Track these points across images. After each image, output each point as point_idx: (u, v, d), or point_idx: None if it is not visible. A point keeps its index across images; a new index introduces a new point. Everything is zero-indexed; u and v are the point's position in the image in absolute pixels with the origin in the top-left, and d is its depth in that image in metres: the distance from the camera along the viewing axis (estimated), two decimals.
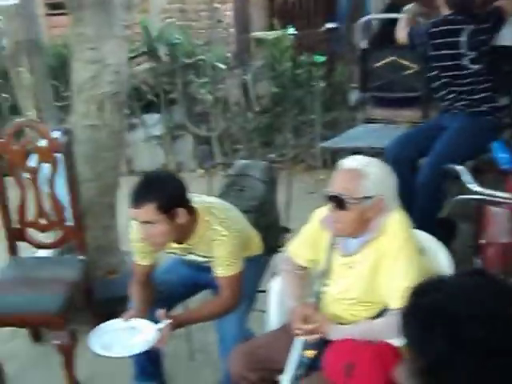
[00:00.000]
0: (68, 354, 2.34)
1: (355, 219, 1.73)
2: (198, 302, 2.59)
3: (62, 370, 2.40)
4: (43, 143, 2.51)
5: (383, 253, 1.73)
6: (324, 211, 1.89)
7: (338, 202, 1.73)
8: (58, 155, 2.50)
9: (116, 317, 2.83)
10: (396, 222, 1.75)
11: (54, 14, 6.11)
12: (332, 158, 5.08)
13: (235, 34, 6.27)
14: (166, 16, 6.06)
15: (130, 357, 2.06)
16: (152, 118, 5.15)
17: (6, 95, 5.18)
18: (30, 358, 2.78)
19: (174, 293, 2.29)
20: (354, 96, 4.94)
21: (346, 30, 5.69)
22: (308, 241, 1.97)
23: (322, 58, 5.01)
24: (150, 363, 2.35)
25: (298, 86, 4.89)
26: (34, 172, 2.52)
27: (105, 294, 2.83)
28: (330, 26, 5.44)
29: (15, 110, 5.22)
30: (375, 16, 3.81)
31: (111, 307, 2.87)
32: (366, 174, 1.72)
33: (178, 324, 2.02)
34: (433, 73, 3.01)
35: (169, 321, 1.96)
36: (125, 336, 1.96)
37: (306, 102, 4.94)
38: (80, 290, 2.53)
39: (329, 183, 1.80)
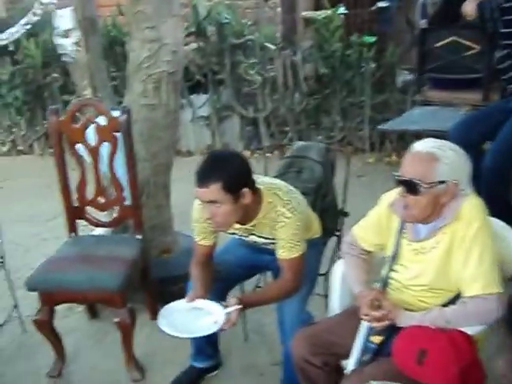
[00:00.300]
0: (127, 331, 2.37)
1: (428, 204, 1.67)
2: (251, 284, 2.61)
3: (121, 346, 2.43)
4: (102, 122, 2.52)
5: (458, 239, 1.67)
6: (393, 195, 1.84)
7: (410, 187, 1.67)
8: (117, 134, 2.50)
9: (170, 296, 2.88)
10: (472, 207, 1.69)
11: None
12: (380, 141, 5.00)
13: (282, 14, 6.19)
14: None
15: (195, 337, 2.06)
16: (199, 98, 5.14)
17: (56, 75, 5.26)
18: (87, 333, 2.82)
19: (231, 274, 2.29)
20: (401, 78, 4.84)
21: (398, 8, 5.55)
22: (375, 225, 1.93)
23: (372, 39, 4.90)
24: (207, 344, 2.36)
25: (348, 67, 4.80)
26: (94, 151, 2.53)
27: (159, 273, 2.85)
28: (381, 4, 5.29)
29: (64, 90, 5.32)
30: None
31: (165, 286, 2.91)
32: (440, 157, 1.66)
33: (244, 307, 2.01)
34: (502, 52, 2.88)
35: (239, 306, 1.95)
36: (192, 317, 1.96)
37: (356, 83, 4.85)
38: (137, 269, 2.54)
39: (400, 166, 1.74)
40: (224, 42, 4.91)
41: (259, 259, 2.30)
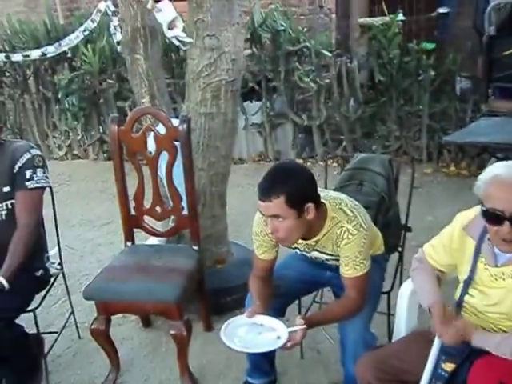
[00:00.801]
0: (183, 343, 2.33)
1: None
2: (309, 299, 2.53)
3: (177, 358, 2.39)
4: (162, 131, 2.50)
5: None
6: (468, 216, 1.74)
7: None
8: (176, 143, 2.48)
9: (224, 307, 2.85)
10: None
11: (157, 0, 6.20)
12: (438, 151, 4.84)
13: (336, 20, 6.11)
14: (268, 2, 5.99)
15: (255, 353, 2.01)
16: (253, 105, 5.11)
17: (112, 81, 5.33)
18: (140, 343, 2.81)
19: (291, 289, 2.22)
20: (460, 86, 4.68)
21: (458, 14, 5.39)
22: (447, 245, 1.82)
23: (431, 45, 4.76)
24: (264, 360, 2.30)
25: (405, 75, 4.67)
26: (153, 160, 2.52)
27: (213, 284, 2.81)
28: (441, 10, 5.14)
29: (119, 96, 5.39)
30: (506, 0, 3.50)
31: (219, 297, 2.87)
32: None
33: (310, 327, 1.94)
34: None
35: (304, 326, 1.88)
36: (255, 332, 1.90)
37: (413, 91, 4.72)
38: (194, 280, 2.51)
39: (486, 197, 1.59)
40: (279, 49, 4.86)
41: (320, 275, 2.23)
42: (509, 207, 1.53)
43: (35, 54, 5.35)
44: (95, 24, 5.24)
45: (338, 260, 2.01)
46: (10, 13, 5.96)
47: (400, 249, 2.47)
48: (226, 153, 2.94)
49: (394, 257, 2.47)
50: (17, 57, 5.43)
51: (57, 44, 5.30)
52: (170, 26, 2.58)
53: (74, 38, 5.25)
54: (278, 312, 2.16)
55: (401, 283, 2.29)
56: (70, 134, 5.78)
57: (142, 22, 2.96)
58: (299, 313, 2.50)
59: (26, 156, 2.30)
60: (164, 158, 2.54)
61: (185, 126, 2.44)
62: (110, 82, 5.30)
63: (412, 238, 2.60)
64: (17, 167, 2.28)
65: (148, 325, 2.90)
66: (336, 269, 2.03)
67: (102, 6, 5.23)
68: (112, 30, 5.19)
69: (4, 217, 2.30)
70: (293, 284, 2.22)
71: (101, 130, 5.70)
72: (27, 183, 2.28)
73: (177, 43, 2.69)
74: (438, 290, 1.83)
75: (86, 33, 5.24)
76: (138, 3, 2.91)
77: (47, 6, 5.80)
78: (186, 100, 2.90)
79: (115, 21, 5.09)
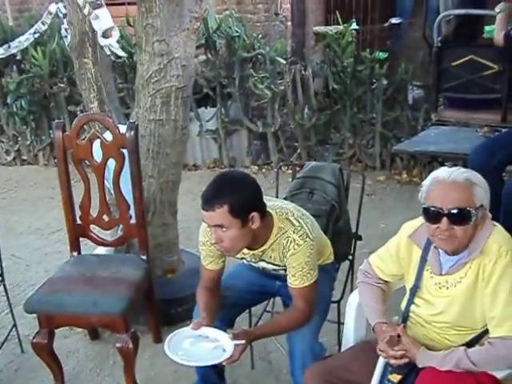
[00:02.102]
0: (129, 357, 2.27)
1: (470, 233, 1.59)
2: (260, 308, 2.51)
3: (123, 371, 2.33)
4: (109, 138, 2.43)
5: (484, 275, 1.57)
6: (415, 225, 1.75)
7: (460, 217, 1.57)
8: (124, 150, 2.42)
9: (175, 318, 2.79)
10: (500, 240, 1.59)
11: (110, 4, 6.10)
12: (391, 158, 4.91)
13: (292, 28, 6.14)
14: (223, 8, 5.97)
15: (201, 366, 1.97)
16: (207, 111, 5.06)
17: (63, 85, 5.20)
18: (87, 356, 2.72)
19: (240, 299, 2.19)
20: (411, 94, 4.76)
21: (410, 25, 5.49)
22: (394, 255, 1.82)
23: (384, 55, 4.83)
24: (213, 372, 2.25)
25: (359, 83, 4.72)
26: (100, 167, 2.45)
27: (163, 294, 2.76)
28: (393, 20, 5.22)
29: (70, 100, 5.26)
30: (454, 11, 3.58)
31: (169, 308, 2.82)
32: (476, 181, 1.60)
33: (253, 339, 1.91)
34: None
35: (243, 341, 1.85)
36: (199, 345, 1.86)
37: (366, 99, 4.77)
38: (141, 291, 2.44)
39: (427, 198, 1.63)
40: (234, 56, 4.84)
41: (269, 285, 2.20)
42: (446, 204, 1.57)
43: None
44: (46, 26, 5.09)
45: (285, 270, 1.99)
46: None
47: (351, 257, 2.47)
48: (177, 160, 2.89)
49: (345, 265, 2.48)
50: None
51: (6, 46, 5.12)
52: (105, 35, 2.53)
53: (24, 40, 5.08)
54: (227, 323, 2.13)
55: (351, 291, 2.29)
56: (19, 138, 5.60)
57: (90, 25, 2.88)
58: (250, 323, 2.47)
59: None
60: (111, 165, 2.47)
61: (132, 132, 2.38)
62: (61, 85, 5.17)
63: (364, 245, 2.61)
64: None
65: (95, 337, 2.81)
66: (285, 278, 2.01)
67: (52, 8, 5.07)
68: (63, 32, 5.03)
69: None
70: (241, 294, 2.19)
71: (51, 135, 5.54)
72: None
73: (108, 52, 2.64)
74: (381, 307, 1.83)
75: (37, 35, 5.08)
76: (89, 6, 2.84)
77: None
78: (135, 106, 2.84)
79: (66, 23, 4.96)
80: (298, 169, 2.60)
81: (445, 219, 1.58)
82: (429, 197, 1.63)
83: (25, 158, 5.72)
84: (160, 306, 2.71)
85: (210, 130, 5.11)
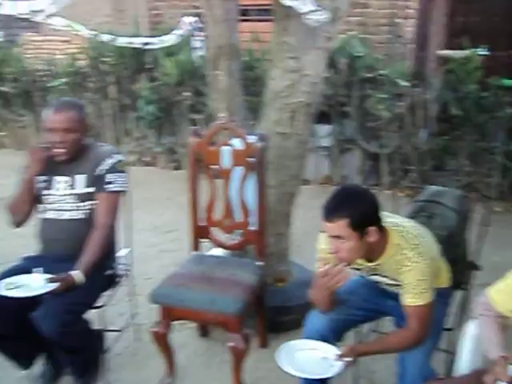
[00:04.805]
0: (239, 356, 2.37)
1: None
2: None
3: (232, 370, 2.43)
4: (239, 146, 2.56)
5: None
6: None
7: None
8: (251, 159, 2.54)
9: (281, 326, 2.87)
10: None
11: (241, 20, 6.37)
12: (511, 190, 4.71)
13: (414, 50, 6.07)
14: (346, 28, 6.03)
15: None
16: (322, 128, 5.13)
17: (188, 94, 5.49)
18: (196, 351, 2.86)
19: (352, 315, 2.22)
20: None
21: None
22: None
23: (511, 82, 4.65)
24: (317, 381, 2.30)
25: (482, 110, 4.58)
26: (227, 173, 2.59)
27: (272, 301, 2.84)
28: None
29: (193, 109, 5.54)
30: None
31: (277, 315, 2.90)
32: None
33: (360, 355, 1.94)
34: None
35: (350, 359, 1.90)
36: (309, 357, 1.94)
37: (489, 127, 4.62)
38: (255, 296, 2.54)
39: None
40: (354, 75, 4.88)
41: (382, 303, 2.22)
42: None
43: (138, 41, 5.47)
44: (179, 39, 5.42)
45: (399, 286, 2.00)
46: (98, 22, 6.27)
47: (465, 286, 2.42)
48: (296, 173, 2.99)
49: (457, 294, 2.43)
50: (121, 40, 5.54)
51: (158, 38, 5.45)
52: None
53: (175, 37, 5.38)
54: (336, 336, 2.17)
55: (464, 322, 2.25)
56: (142, 141, 5.98)
57: (227, 40, 3.06)
58: (355, 340, 2.49)
59: (110, 160, 2.42)
60: (237, 173, 2.60)
61: (262, 143, 2.50)
62: (186, 94, 5.46)
63: (475, 276, 2.55)
64: (100, 170, 2.40)
65: (205, 334, 2.95)
66: (398, 298, 2.03)
67: (187, 20, 5.42)
68: (194, 44, 5.37)
69: (84, 216, 2.43)
70: (354, 311, 2.22)
71: (172, 140, 5.87)
72: (108, 186, 2.40)
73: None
74: (501, 341, 1.80)
75: (180, 38, 5.38)
76: (225, 22, 3.02)
77: (134, 18, 6.06)
78: (262, 118, 2.97)
79: (198, 36, 5.27)
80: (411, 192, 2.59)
81: None
82: None
83: (145, 159, 6.10)
84: (268, 312, 2.80)
85: (324, 147, 5.17)
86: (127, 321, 2.89)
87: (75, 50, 6.26)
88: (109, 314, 3.09)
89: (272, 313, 2.85)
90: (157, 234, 4.35)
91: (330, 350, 1.97)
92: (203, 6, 3.08)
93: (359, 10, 5.94)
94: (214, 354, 2.81)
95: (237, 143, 2.60)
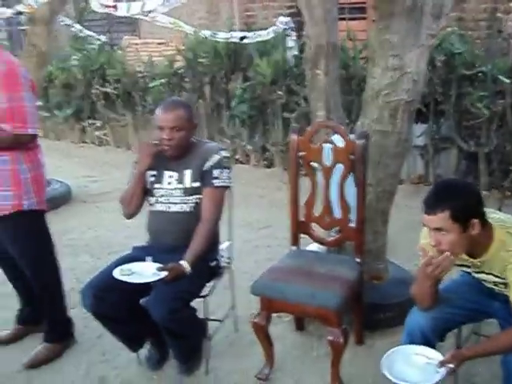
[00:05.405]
0: (339, 351, 2.40)
1: None
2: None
3: (330, 364, 2.46)
4: (340, 144, 2.60)
5: None
6: None
7: None
8: (352, 157, 2.56)
9: (376, 323, 2.87)
10: None
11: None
12: None
13: None
14: (444, 25, 5.87)
15: None
16: (418, 127, 5.03)
17: (281, 93, 5.57)
18: (292, 344, 2.92)
19: (454, 315, 2.19)
20: None
21: None
22: None
23: None
24: None
25: None
26: (328, 170, 2.63)
27: (368, 298, 2.85)
28: None
29: (286, 108, 5.62)
30: None
31: (372, 313, 2.90)
32: None
33: (463, 360, 1.93)
34: None
35: (452, 366, 1.90)
36: (413, 363, 1.95)
37: None
38: (354, 292, 2.57)
39: None
40: (452, 72, 4.76)
41: (487, 304, 2.18)
42: None
43: (236, 35, 5.66)
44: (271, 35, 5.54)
45: (505, 286, 1.96)
46: (194, 24, 6.50)
47: None
48: (395, 171, 2.98)
49: None
50: (221, 35, 5.72)
51: (254, 33, 5.62)
52: None
53: (269, 33, 5.52)
54: (438, 336, 2.16)
55: None
56: (236, 139, 6.13)
57: (327, 39, 3.10)
58: (457, 342, 2.46)
59: (216, 156, 2.53)
60: (337, 170, 2.64)
61: (363, 141, 2.52)
62: (280, 93, 5.54)
63: None
64: (207, 166, 2.51)
65: (301, 328, 3.00)
66: (505, 300, 1.98)
67: (282, 19, 5.52)
68: (289, 43, 5.45)
69: (191, 209, 2.55)
70: (456, 310, 2.19)
71: (264, 139, 5.97)
72: (214, 181, 2.52)
73: None
74: None
75: (273, 34, 5.50)
76: (325, 21, 3.07)
77: (228, 20, 6.23)
78: (361, 116, 2.98)
79: (293, 35, 5.35)
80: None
81: None
82: None
83: (237, 157, 6.25)
84: (364, 309, 2.81)
85: (419, 146, 5.08)
86: (227, 311, 2.99)
87: (172, 52, 6.52)
88: (209, 304, 3.25)
89: (368, 310, 2.85)
90: (251, 230, 4.46)
91: (433, 356, 1.96)
92: (302, 6, 3.14)
93: (458, 6, 5.78)
94: (310, 348, 2.86)
95: (337, 140, 2.64)
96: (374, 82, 2.85)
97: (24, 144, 2.59)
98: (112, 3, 4.80)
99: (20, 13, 5.09)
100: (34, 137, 2.63)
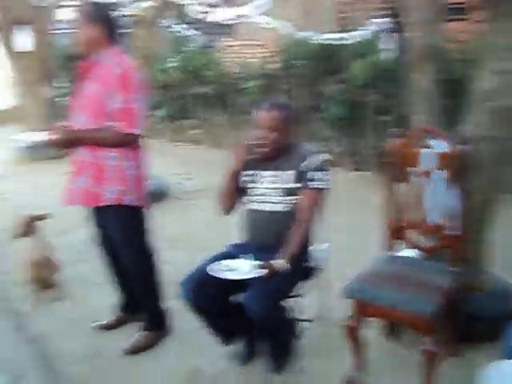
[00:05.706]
0: (432, 361, 2.34)
1: None
2: None
3: (424, 374, 2.40)
4: (442, 149, 2.53)
5: None
6: None
7: None
8: (455, 163, 2.49)
9: (473, 335, 2.77)
10: None
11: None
12: None
13: None
14: None
15: None
16: None
17: (374, 95, 5.51)
18: (382, 350, 2.88)
19: None
20: None
21: None
22: None
23: None
24: None
25: None
26: (427, 176, 2.57)
27: (465, 309, 2.75)
28: None
29: (378, 110, 5.54)
30: None
31: (469, 324, 2.80)
32: None
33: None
34: None
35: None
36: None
37: None
38: (450, 301, 2.49)
39: None
40: None
41: None
42: None
43: (333, 37, 5.71)
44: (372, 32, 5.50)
45: None
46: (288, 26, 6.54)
47: None
48: (499, 179, 2.85)
49: None
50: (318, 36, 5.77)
51: (350, 34, 5.62)
52: None
53: (365, 33, 5.50)
54: None
55: None
56: (326, 142, 6.11)
57: (431, 41, 3.03)
58: None
59: (315, 158, 2.55)
60: (436, 175, 2.57)
61: (466, 146, 2.45)
62: (374, 96, 5.47)
63: None
64: (305, 167, 2.54)
65: (391, 334, 2.95)
66: None
67: (377, 21, 5.47)
68: (384, 46, 5.38)
69: (287, 209, 2.59)
70: None
71: (355, 142, 5.92)
72: (312, 183, 2.53)
73: None
74: None
75: (369, 35, 5.47)
76: (431, 23, 3.00)
77: (326, 22, 6.22)
78: (464, 121, 2.89)
79: (391, 37, 5.28)
80: None
81: None
82: None
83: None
84: (461, 320, 2.72)
85: None
86: (317, 312, 2.99)
87: (267, 54, 6.61)
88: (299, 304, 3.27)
89: (464, 321, 2.76)
90: (340, 233, 4.42)
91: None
92: (404, 7, 3.09)
93: None
94: (401, 356, 2.80)
95: (437, 145, 2.57)
96: (481, 86, 2.75)
97: (130, 143, 2.73)
98: (206, 9, 4.96)
99: (123, 16, 5.38)
100: (139, 137, 2.77)
